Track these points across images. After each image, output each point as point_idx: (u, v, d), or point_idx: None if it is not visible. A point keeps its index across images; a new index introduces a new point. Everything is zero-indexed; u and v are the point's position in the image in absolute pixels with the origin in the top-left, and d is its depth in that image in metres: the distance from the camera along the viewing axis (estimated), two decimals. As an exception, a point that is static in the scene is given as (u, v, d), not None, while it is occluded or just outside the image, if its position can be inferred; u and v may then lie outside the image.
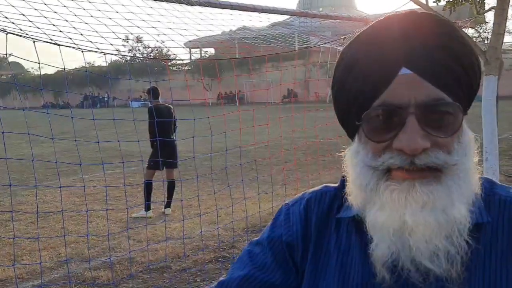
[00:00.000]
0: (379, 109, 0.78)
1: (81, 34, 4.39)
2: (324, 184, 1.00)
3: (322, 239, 0.92)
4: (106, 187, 6.32)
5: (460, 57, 0.79)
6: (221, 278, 0.99)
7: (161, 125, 6.60)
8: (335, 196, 0.95)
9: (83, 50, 4.43)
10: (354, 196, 0.85)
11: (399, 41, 0.78)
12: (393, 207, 0.77)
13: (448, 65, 0.77)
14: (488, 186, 0.86)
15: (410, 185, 0.76)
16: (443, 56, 0.77)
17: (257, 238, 1.02)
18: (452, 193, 0.76)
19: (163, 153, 6.66)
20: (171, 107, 7.45)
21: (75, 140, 5.12)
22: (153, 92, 7.29)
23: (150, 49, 58.04)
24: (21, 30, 3.99)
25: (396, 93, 0.77)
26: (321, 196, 0.97)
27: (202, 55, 47.61)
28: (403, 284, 0.80)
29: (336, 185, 0.98)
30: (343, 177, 0.93)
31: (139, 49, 58.51)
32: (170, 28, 5.28)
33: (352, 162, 0.85)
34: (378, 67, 0.78)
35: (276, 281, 0.93)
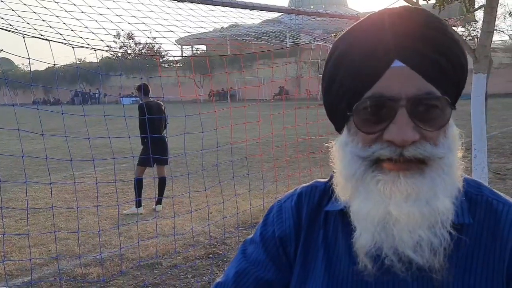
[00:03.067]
0: (371, 101, 0.79)
1: (72, 30, 4.37)
2: (315, 180, 1.01)
3: (312, 232, 0.94)
4: (97, 183, 6.29)
5: (447, 51, 0.80)
6: (217, 280, 1.00)
7: (152, 121, 6.59)
8: (325, 190, 0.96)
9: (74, 46, 4.41)
10: (340, 187, 0.87)
11: (387, 34, 0.78)
12: (379, 198, 0.78)
13: (436, 58, 0.78)
14: (476, 186, 0.88)
15: (395, 176, 0.78)
16: (431, 49, 0.78)
17: (250, 236, 1.02)
18: (436, 186, 0.77)
19: (154, 150, 6.66)
20: (162, 103, 7.45)
21: (66, 137, 5.10)
22: (144, 89, 7.29)
23: (141, 45, 57.76)
24: (10, 25, 3.96)
25: (387, 85, 0.77)
26: (311, 190, 0.98)
27: (194, 52, 47.44)
28: (385, 273, 0.81)
29: (326, 180, 0.99)
30: (333, 172, 0.94)
31: (130, 46, 58.18)
32: (161, 25, 5.27)
33: (340, 153, 0.86)
34: (369, 59, 0.79)
35: (270, 278, 0.94)
